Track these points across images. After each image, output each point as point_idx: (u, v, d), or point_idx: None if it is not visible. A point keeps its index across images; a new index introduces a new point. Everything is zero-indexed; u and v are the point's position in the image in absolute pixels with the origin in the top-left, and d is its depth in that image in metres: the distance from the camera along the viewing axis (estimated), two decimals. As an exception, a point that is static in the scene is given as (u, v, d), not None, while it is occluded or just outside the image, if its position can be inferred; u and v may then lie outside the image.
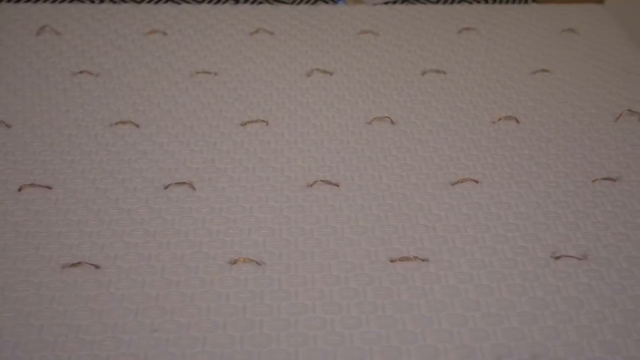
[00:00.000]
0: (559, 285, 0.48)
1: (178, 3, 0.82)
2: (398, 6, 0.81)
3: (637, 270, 0.50)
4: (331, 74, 0.70)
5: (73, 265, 0.48)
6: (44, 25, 0.75)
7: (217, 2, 0.83)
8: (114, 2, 0.81)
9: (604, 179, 0.58)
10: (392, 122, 0.63)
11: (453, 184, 0.57)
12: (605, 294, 0.48)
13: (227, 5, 0.80)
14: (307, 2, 0.84)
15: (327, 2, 0.84)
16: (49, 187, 0.55)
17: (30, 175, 0.56)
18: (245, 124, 0.63)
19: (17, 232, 0.50)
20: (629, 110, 0.65)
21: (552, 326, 0.45)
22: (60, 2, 0.80)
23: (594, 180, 0.57)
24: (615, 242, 0.52)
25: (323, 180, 0.56)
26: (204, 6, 0.79)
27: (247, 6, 0.80)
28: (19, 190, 0.54)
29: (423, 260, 0.50)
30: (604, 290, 0.48)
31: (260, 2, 0.83)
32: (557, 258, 0.50)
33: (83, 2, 0.80)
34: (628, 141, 0.62)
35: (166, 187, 0.55)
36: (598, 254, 0.51)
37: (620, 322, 0.46)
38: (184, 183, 0.56)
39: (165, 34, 0.75)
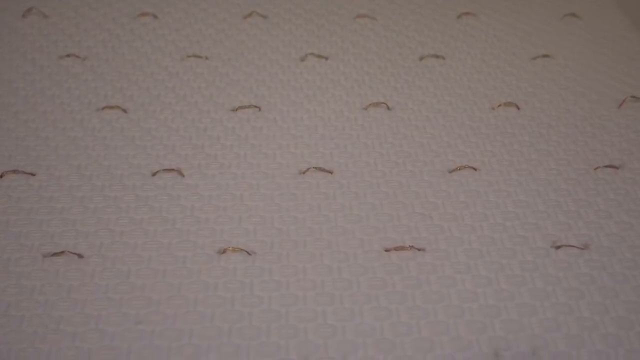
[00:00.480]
0: (560, 275, 0.47)
1: (169, -14, 0.79)
2: (396, -10, 0.79)
3: (640, 260, 0.48)
4: (326, 58, 0.68)
5: (55, 254, 0.46)
6: (31, 7, 0.73)
7: (209, -15, 0.81)
8: (104, -15, 0.78)
9: (607, 166, 0.56)
10: (388, 108, 0.61)
11: (451, 171, 0.55)
12: (607, 285, 0.46)
13: (219, -12, 0.78)
14: (302, -14, 0.82)
15: (322, -14, 0.82)
16: (32, 174, 0.53)
17: (13, 161, 0.54)
18: (237, 109, 0.61)
19: (-2, 220, 0.49)
20: (633, 96, 0.64)
21: (552, 318, 0.44)
22: (48, -15, 0.78)
23: (596, 168, 0.56)
24: (618, 232, 0.50)
25: (316, 168, 0.54)
26: (196, -11, 0.77)
27: (240, -11, 0.78)
28: (1, 177, 0.52)
29: (419, 249, 0.48)
30: (606, 281, 0.46)
31: (254, -14, 0.81)
32: (558, 248, 0.48)
33: (71, -16, 0.78)
34: (631, 128, 0.61)
35: (154, 174, 0.54)
36: (600, 243, 0.49)
37: (623, 314, 0.44)
38: (172, 170, 0.54)
39: (155, 17, 0.73)
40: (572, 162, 0.56)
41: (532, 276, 0.47)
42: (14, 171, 0.53)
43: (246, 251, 0.47)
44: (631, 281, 0.46)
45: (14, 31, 0.70)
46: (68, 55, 0.66)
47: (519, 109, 0.62)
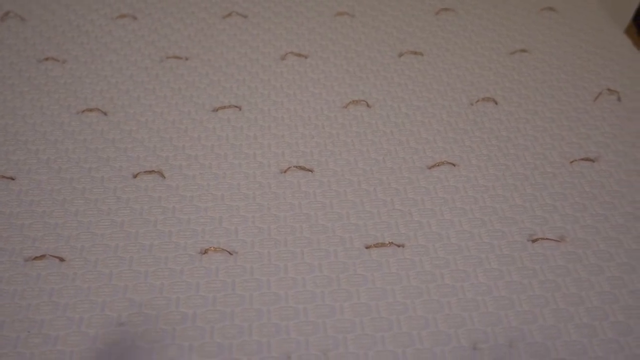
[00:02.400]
0: (536, 268, 0.47)
1: (149, -14, 0.79)
2: (375, -13, 0.80)
3: (615, 251, 0.49)
4: (306, 57, 0.68)
5: (37, 258, 0.46)
6: (8, 10, 0.72)
7: (188, -15, 0.80)
8: (82, -14, 0.78)
9: (582, 159, 0.57)
10: (368, 106, 0.62)
11: (430, 167, 0.56)
12: (582, 276, 0.47)
13: (198, -13, 0.78)
14: (281, -16, 0.82)
15: (302, -16, 0.82)
16: (12, 178, 0.53)
17: (-7, 166, 0.54)
18: (217, 109, 0.61)
19: (-22, 226, 0.49)
20: (608, 89, 0.64)
21: (529, 310, 0.45)
22: (26, -13, 0.77)
23: (572, 161, 0.57)
24: (593, 223, 0.51)
25: (297, 166, 0.55)
26: (175, -11, 0.77)
27: (219, -12, 0.77)
28: (-19, 182, 0.52)
29: (399, 246, 0.49)
30: (581, 273, 0.47)
31: (234, -15, 0.81)
32: (534, 241, 0.49)
33: (49, -14, 0.77)
34: (607, 120, 0.61)
35: (135, 176, 0.54)
36: (575, 235, 0.50)
37: (597, 305, 0.45)
38: (153, 171, 0.54)
39: (134, 18, 0.72)
40: (549, 155, 0.57)
41: (509, 270, 0.47)
42: (-6, 176, 0.52)
43: (227, 251, 0.48)
44: (605, 272, 0.47)
45: (-8, 34, 0.69)
46: (47, 59, 0.66)
47: (496, 104, 0.63)
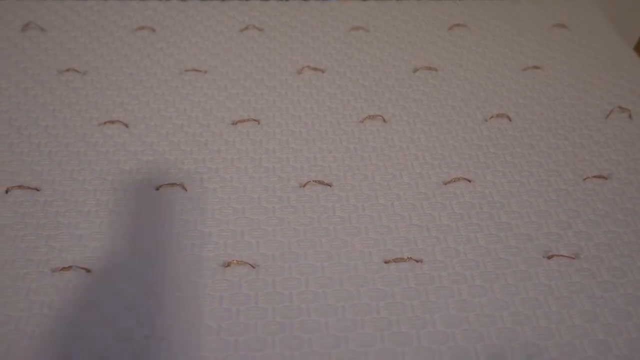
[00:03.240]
0: (552, 285, 0.49)
1: (166, -2, 0.81)
2: (388, 2, 0.81)
3: (628, 268, 0.50)
4: (323, 71, 0.69)
5: (64, 269, 0.47)
6: (29, 21, 0.73)
7: (205, -2, 0.82)
8: (100, -2, 0.79)
9: (595, 176, 0.58)
10: (384, 121, 0.63)
11: (446, 183, 0.57)
12: (596, 293, 0.48)
13: (216, 1, 0.79)
14: (297, -2, 0.84)
15: (317, -2, 0.83)
16: (37, 189, 0.54)
17: (18, 176, 0.55)
18: (237, 123, 0.62)
19: (5, 236, 0.50)
20: (620, 107, 0.66)
21: (545, 326, 0.46)
22: (45, -3, 0.78)
23: (585, 179, 0.58)
24: (607, 241, 0.52)
25: (316, 181, 0.56)
26: (193, 2, 0.78)
27: (236, 2, 0.79)
28: (6, 192, 0.53)
29: (417, 261, 0.50)
30: (595, 290, 0.48)
31: (250, -3, 0.82)
32: (550, 257, 0.50)
33: (68, -3, 0.79)
34: (619, 138, 0.63)
35: (157, 189, 0.55)
36: (590, 252, 0.51)
37: (612, 321, 0.46)
38: (175, 184, 0.55)
39: (153, 30, 0.74)
40: (562, 173, 0.58)
41: (526, 286, 0.48)
42: (20, 186, 0.53)
43: (250, 264, 0.49)
44: (619, 289, 0.48)
45: (13, 46, 0.70)
46: (67, 70, 0.67)
47: (510, 120, 0.64)
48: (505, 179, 0.57)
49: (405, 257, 0.50)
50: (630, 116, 0.65)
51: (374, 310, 0.46)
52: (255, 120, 0.62)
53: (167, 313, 0.45)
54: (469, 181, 0.57)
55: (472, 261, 0.50)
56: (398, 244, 0.51)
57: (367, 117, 0.63)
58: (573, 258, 0.50)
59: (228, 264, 0.49)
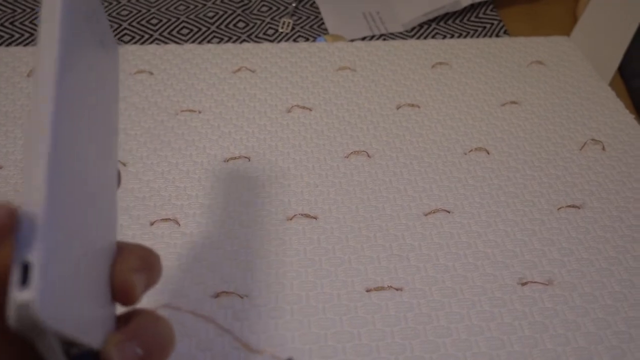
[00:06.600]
0: (525, 310, 0.51)
1: (165, 43, 0.85)
2: (374, 42, 0.85)
3: (599, 293, 0.52)
4: (310, 109, 0.73)
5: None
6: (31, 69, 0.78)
7: (201, 42, 0.87)
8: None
9: (569, 206, 0.61)
10: (368, 156, 0.66)
11: (426, 214, 0.60)
12: (569, 318, 0.51)
13: (210, 44, 0.83)
14: (287, 40, 0.88)
15: (307, 40, 0.88)
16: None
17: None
18: (228, 160, 0.65)
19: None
20: (593, 139, 0.69)
21: (519, 351, 0.48)
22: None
23: (559, 208, 0.61)
24: (579, 267, 0.55)
25: (302, 214, 0.59)
26: (189, 46, 0.83)
27: (230, 45, 0.83)
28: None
29: (397, 289, 0.52)
30: (568, 314, 0.51)
31: (244, 41, 0.87)
32: (524, 284, 0.53)
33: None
34: (592, 169, 0.66)
35: (152, 224, 0.58)
36: (562, 278, 0.54)
37: (584, 345, 0.49)
38: (169, 219, 0.58)
39: (151, 73, 0.78)
40: (537, 203, 0.61)
41: (501, 312, 0.51)
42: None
43: (238, 295, 0.51)
44: (591, 314, 0.51)
45: (20, 91, 0.74)
46: (70, 112, 0.71)
47: (488, 153, 0.67)
48: (483, 209, 0.60)
49: (386, 286, 0.52)
50: (603, 148, 0.68)
51: (355, 337, 0.49)
52: (246, 157, 0.66)
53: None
54: (448, 212, 0.60)
55: (450, 289, 0.53)
56: (379, 273, 0.54)
57: (352, 152, 0.66)
58: (546, 284, 0.53)
59: (217, 295, 0.51)
